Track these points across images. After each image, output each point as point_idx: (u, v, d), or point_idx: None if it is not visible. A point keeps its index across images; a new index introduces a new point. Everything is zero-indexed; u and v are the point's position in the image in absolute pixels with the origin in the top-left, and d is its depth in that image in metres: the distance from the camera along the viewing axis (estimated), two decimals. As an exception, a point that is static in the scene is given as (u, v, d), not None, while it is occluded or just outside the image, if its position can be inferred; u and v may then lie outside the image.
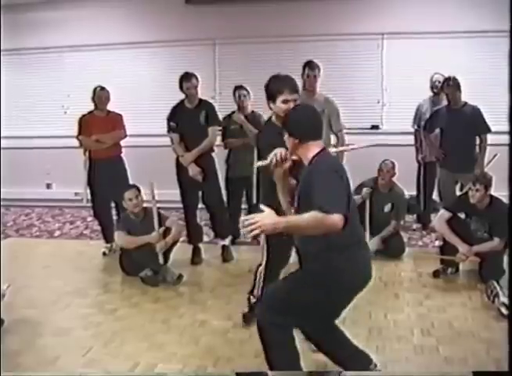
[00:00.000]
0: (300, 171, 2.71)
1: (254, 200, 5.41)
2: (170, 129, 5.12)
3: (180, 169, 5.14)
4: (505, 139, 5.19)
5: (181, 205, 5.38)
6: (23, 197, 7.78)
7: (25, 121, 7.93)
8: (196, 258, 5.23)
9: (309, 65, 4.88)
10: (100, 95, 5.51)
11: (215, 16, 7.17)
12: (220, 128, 5.40)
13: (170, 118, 5.10)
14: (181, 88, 5.01)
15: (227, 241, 5.31)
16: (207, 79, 6.41)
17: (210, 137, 5.07)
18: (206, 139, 5.03)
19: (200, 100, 5.10)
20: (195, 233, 5.33)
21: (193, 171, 5.00)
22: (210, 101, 5.36)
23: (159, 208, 4.81)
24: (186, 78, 4.97)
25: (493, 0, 6.48)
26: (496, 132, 5.32)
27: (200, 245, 5.35)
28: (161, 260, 4.72)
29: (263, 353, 2.69)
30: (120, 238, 4.83)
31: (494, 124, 5.31)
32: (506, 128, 5.49)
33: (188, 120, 4.99)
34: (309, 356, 3.08)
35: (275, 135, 2.89)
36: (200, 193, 5.24)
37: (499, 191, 4.45)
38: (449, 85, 5.27)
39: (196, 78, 5.00)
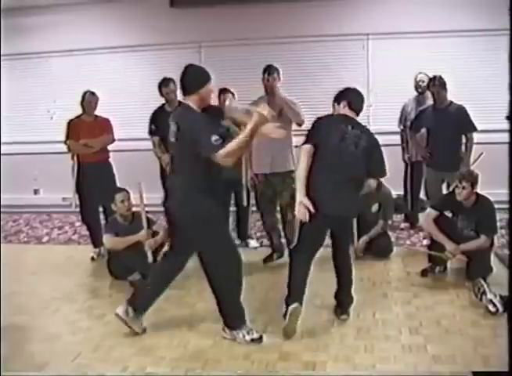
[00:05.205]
0: None
1: (245, 203, 5.43)
2: (150, 132, 5.27)
3: (165, 172, 5.16)
4: (491, 137, 5.26)
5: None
6: (10, 203, 7.70)
7: (11, 127, 7.85)
8: None
9: (269, 69, 4.87)
10: (90, 100, 5.52)
11: (200, 19, 7.17)
12: None
13: (151, 121, 5.26)
14: (161, 93, 5.18)
15: None
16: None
17: None
18: None
19: (180, 103, 5.14)
20: None
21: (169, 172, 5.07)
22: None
23: (147, 212, 4.80)
24: (164, 83, 5.16)
25: (479, -1, 6.56)
26: (483, 131, 5.36)
27: None
28: (150, 259, 4.66)
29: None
30: (108, 241, 4.80)
31: (481, 123, 5.33)
32: (492, 126, 5.58)
33: (167, 123, 5.01)
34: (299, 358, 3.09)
35: None
36: None
37: (484, 190, 4.51)
38: (435, 85, 5.29)
39: (174, 83, 5.10)
